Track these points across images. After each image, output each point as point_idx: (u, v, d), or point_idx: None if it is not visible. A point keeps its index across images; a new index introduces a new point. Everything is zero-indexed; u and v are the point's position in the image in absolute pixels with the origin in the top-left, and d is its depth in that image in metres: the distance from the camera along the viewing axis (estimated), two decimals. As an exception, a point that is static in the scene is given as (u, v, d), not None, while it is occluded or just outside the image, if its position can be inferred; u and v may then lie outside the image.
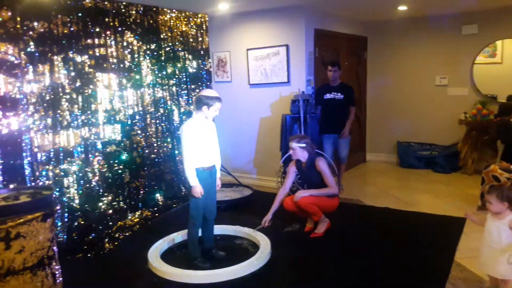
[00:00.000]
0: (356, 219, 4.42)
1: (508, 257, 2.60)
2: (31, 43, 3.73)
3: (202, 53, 5.60)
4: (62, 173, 3.99)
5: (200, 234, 3.52)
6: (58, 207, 3.86)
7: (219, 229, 3.95)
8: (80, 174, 4.13)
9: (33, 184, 3.73)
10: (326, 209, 3.89)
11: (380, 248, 3.65)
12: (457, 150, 6.26)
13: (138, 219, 4.57)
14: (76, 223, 4.04)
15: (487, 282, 2.88)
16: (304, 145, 3.86)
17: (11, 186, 3.58)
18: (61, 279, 2.58)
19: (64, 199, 3.99)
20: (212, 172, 3.39)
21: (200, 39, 5.58)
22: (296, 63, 5.34)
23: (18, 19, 3.64)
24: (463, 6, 5.73)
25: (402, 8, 5.69)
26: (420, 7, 5.80)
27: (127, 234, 4.23)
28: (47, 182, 3.86)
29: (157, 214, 4.70)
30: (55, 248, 2.46)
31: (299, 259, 3.50)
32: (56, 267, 2.48)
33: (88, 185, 4.20)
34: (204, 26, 5.64)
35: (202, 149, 3.25)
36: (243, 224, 4.07)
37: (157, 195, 4.99)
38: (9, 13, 3.59)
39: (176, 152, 5.19)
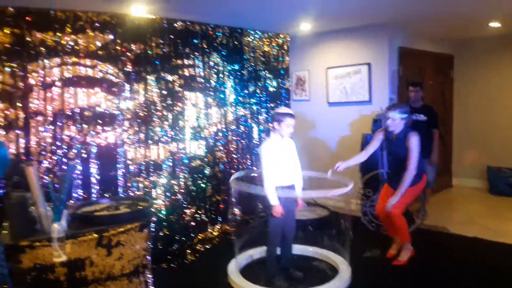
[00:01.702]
0: (441, 248, 4.14)
1: None
2: (128, 63, 4.05)
3: (282, 72, 5.69)
4: (151, 185, 4.23)
5: (278, 252, 3.53)
6: (153, 218, 4.09)
7: (297, 249, 3.92)
8: (167, 186, 4.36)
9: (125, 194, 3.99)
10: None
11: (467, 281, 3.39)
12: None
13: (217, 232, 4.69)
14: (161, 233, 4.25)
15: None
16: (405, 115, 3.64)
17: (106, 195, 3.87)
18: (152, 287, 2.71)
19: (151, 209, 4.21)
20: (291, 191, 3.38)
21: (281, 58, 5.68)
22: (378, 81, 5.23)
23: (119, 41, 3.98)
24: None
25: (494, 24, 5.35)
26: (515, 24, 5.41)
27: (207, 246, 4.37)
28: (137, 193, 4.11)
29: (234, 229, 4.79)
30: (148, 257, 2.60)
31: (380, 287, 3.35)
32: (149, 275, 2.62)
33: (174, 197, 4.41)
34: (285, 46, 5.74)
35: (280, 168, 3.28)
36: (319, 245, 4.00)
37: (235, 209, 5.09)
38: (111, 36, 3.94)
39: (255, 168, 5.28)
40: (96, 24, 3.84)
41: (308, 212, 5.24)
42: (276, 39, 5.61)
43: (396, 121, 3.63)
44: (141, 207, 2.72)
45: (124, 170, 4.04)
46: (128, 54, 4.05)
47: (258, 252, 3.89)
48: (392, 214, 3.63)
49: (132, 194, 4.07)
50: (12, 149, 3.44)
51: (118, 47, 3.98)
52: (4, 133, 3.44)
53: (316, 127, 5.86)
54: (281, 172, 3.29)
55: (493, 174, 6.31)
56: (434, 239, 4.38)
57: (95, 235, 2.36)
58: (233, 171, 5.03)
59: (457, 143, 6.85)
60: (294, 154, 3.43)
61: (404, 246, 3.80)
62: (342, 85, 5.52)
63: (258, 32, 5.33)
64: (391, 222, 3.74)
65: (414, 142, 3.59)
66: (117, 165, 4.02)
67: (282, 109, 3.35)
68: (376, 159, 4.56)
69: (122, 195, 3.98)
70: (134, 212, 2.60)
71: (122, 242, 2.42)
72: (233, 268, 3.58)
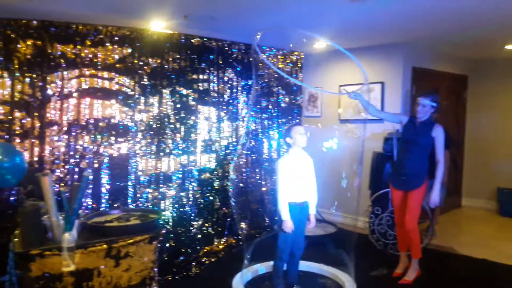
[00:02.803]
0: (449, 269, 4.11)
1: None
2: (145, 76, 4.14)
3: (295, 89, 5.75)
4: (160, 196, 4.29)
5: (284, 268, 3.54)
6: (163, 231, 4.15)
7: (303, 265, 3.92)
8: (176, 198, 4.41)
9: (134, 205, 4.05)
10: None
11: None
12: None
13: (223, 246, 4.72)
14: (168, 245, 4.28)
15: None
16: (435, 104, 3.66)
17: (115, 205, 3.94)
18: (157, 299, 2.75)
19: (160, 221, 4.26)
20: (304, 208, 3.39)
21: (294, 75, 5.74)
22: (391, 100, 5.25)
23: (136, 55, 4.08)
24: None
25: (510, 47, 5.36)
26: (530, 47, 5.41)
27: (212, 259, 4.38)
28: (146, 204, 4.17)
29: (240, 243, 4.81)
30: (156, 269, 2.64)
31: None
32: None
33: (181, 209, 4.46)
34: (299, 63, 5.81)
35: (294, 184, 3.29)
36: (326, 262, 3.99)
37: (242, 223, 5.12)
38: (129, 50, 4.05)
39: (263, 183, 5.31)
40: (115, 38, 3.95)
41: (315, 229, 5.24)
42: (291, 56, 5.68)
43: (426, 108, 3.65)
44: (152, 219, 2.77)
45: (134, 181, 4.11)
46: (145, 67, 4.14)
47: (264, 266, 3.90)
48: (409, 229, 3.65)
49: (141, 205, 4.12)
50: (26, 157, 3.53)
51: (135, 61, 4.08)
52: (19, 141, 3.55)
53: (326, 143, 5.87)
54: (295, 188, 3.31)
55: (503, 195, 6.26)
56: (442, 260, 4.35)
57: (105, 246, 2.42)
58: (241, 185, 5.08)
59: (468, 164, 6.80)
60: (311, 171, 3.43)
61: (412, 265, 3.79)
62: (354, 103, 5.53)
63: (273, 50, 5.40)
64: (406, 236, 3.76)
65: (440, 132, 3.62)
66: (128, 176, 4.09)
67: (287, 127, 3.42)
68: (385, 178, 4.57)
69: (132, 206, 4.04)
70: (144, 224, 2.65)
71: (130, 253, 2.47)
72: (238, 282, 3.59)
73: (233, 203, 4.06)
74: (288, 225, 3.24)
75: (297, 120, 5.81)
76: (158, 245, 2.65)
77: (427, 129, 3.65)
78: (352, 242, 3.91)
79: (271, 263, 3.53)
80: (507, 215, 6.12)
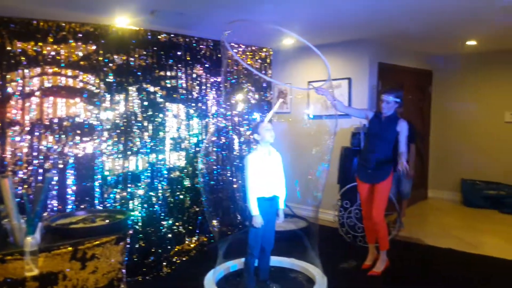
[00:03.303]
0: (416, 260, 4.23)
1: None
2: (110, 74, 4.05)
3: (264, 85, 5.76)
4: (128, 196, 4.21)
5: (256, 264, 3.55)
6: (131, 232, 4.08)
7: (275, 261, 3.95)
8: (145, 198, 4.34)
9: (101, 205, 3.97)
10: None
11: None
12: (528, 191, 5.86)
13: (195, 244, 4.69)
14: (137, 245, 4.21)
15: None
16: (399, 100, 3.77)
17: (82, 206, 3.84)
18: (126, 300, 2.71)
19: (128, 221, 4.19)
20: (273, 203, 3.42)
21: (263, 72, 5.75)
22: (358, 96, 5.34)
23: (101, 52, 3.98)
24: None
25: (471, 43, 5.54)
26: (490, 42, 5.61)
27: (184, 258, 4.35)
28: (114, 204, 4.09)
29: (212, 241, 4.79)
30: (123, 271, 2.60)
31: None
32: (123, 289, 2.61)
33: (151, 209, 4.39)
34: (268, 60, 5.82)
35: (264, 179, 3.31)
36: (297, 256, 4.03)
37: (214, 221, 5.09)
38: (94, 47, 3.95)
39: (234, 180, 5.30)
40: (79, 35, 3.84)
41: (286, 224, 5.28)
42: (260, 53, 5.69)
43: (390, 104, 3.75)
44: (118, 220, 2.71)
45: (101, 181, 4.02)
46: (110, 64, 4.05)
47: (236, 263, 3.91)
48: (376, 221, 3.75)
49: (109, 206, 4.04)
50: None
51: (100, 58, 3.98)
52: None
53: (296, 139, 5.92)
54: (264, 183, 3.33)
55: (467, 187, 6.49)
56: (409, 250, 4.47)
57: (70, 248, 2.36)
58: (212, 183, 5.05)
59: (433, 157, 7.01)
60: (279, 166, 3.47)
61: (380, 256, 3.88)
62: (323, 99, 5.59)
63: (242, 46, 5.39)
64: (373, 229, 3.85)
65: (404, 127, 3.72)
66: (95, 176, 4.00)
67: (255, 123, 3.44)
68: (353, 172, 4.65)
69: (99, 207, 3.95)
70: (110, 225, 2.60)
71: (97, 255, 2.42)
72: (210, 280, 3.59)
73: (205, 201, 4.06)
74: (258, 220, 3.26)
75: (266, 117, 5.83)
76: (127, 245, 2.60)
77: (392, 123, 3.75)
78: (323, 236, 3.97)
79: (243, 259, 3.54)
80: (471, 205, 6.36)
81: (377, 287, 3.62)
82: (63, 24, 3.75)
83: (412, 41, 5.58)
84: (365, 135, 4.63)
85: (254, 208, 3.27)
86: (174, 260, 4.27)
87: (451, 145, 6.80)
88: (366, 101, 5.28)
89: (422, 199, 6.90)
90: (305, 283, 3.67)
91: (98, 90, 3.99)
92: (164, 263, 4.16)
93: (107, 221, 2.70)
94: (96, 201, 3.99)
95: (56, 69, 3.74)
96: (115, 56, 4.08)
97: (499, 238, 4.88)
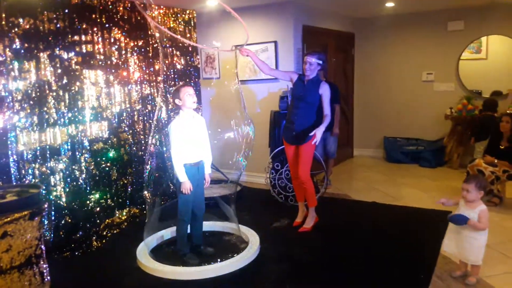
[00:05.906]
0: (343, 214, 4.48)
1: (474, 242, 2.82)
2: (17, 40, 3.68)
3: (190, 49, 5.58)
4: (49, 171, 3.95)
5: (188, 231, 3.53)
6: (46, 205, 3.84)
7: (208, 226, 3.96)
8: (67, 172, 4.10)
9: (19, 182, 3.69)
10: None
11: (367, 242, 3.72)
12: (443, 145, 6.35)
13: (126, 217, 4.56)
14: (63, 221, 4.02)
15: (458, 269, 3.05)
16: (321, 62, 3.80)
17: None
18: (48, 278, 2.57)
19: (50, 197, 3.96)
20: (200, 168, 3.39)
21: (188, 35, 5.56)
22: (284, 59, 5.36)
23: (3, 15, 3.59)
24: (449, 3, 5.82)
25: (390, 4, 5.75)
26: (407, 4, 5.86)
27: (115, 231, 4.23)
28: (33, 180, 3.82)
29: (145, 212, 4.68)
30: (42, 246, 2.45)
31: (287, 254, 3.53)
32: (44, 265, 2.47)
33: (75, 183, 4.17)
34: (192, 23, 5.63)
35: (189, 145, 3.25)
36: (231, 220, 4.07)
37: (146, 192, 4.96)
38: (-5, 9, 3.54)
39: (164, 149, 5.16)
40: (-25, -4, 3.43)
41: (221, 189, 5.30)
42: (183, 15, 5.47)
43: (313, 66, 3.78)
44: (31, 194, 2.53)
45: (16, 157, 3.72)
46: (16, 29, 3.67)
47: (169, 232, 3.87)
48: (302, 180, 3.86)
49: (28, 182, 3.77)
50: None
51: (3, 22, 3.59)
52: None
53: (225, 105, 5.86)
54: (190, 149, 3.27)
55: (389, 143, 6.91)
56: (337, 206, 4.70)
57: (-23, 228, 2.17)
58: (140, 153, 4.89)
59: (358, 117, 7.34)
60: (204, 131, 3.42)
61: (309, 213, 4.03)
62: (251, 63, 5.56)
63: (163, 8, 5.14)
64: (301, 187, 3.97)
65: (326, 89, 3.79)
66: (9, 152, 3.69)
67: (176, 87, 3.33)
68: (282, 135, 4.72)
69: (15, 183, 3.67)
70: (22, 200, 2.41)
71: (9, 232, 2.25)
72: (142, 250, 3.52)
73: (134, 172, 3.90)
74: (186, 186, 3.23)
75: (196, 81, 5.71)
76: (43, 220, 2.44)
77: (314, 86, 3.81)
78: (257, 198, 4.02)
79: (175, 228, 3.51)
80: (392, 161, 6.79)
81: (306, 242, 3.76)
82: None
83: (335, 3, 5.66)
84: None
85: (181, 175, 3.22)
86: (104, 234, 4.14)
87: (374, 105, 7.14)
88: (293, 64, 5.33)
89: (349, 158, 7.24)
90: (238, 244, 3.72)
91: (3, 58, 3.62)
92: (94, 238, 4.02)
93: (19, 196, 2.50)
94: (13, 178, 3.70)
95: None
96: (21, 20, 3.70)
97: (417, 189, 5.27)
